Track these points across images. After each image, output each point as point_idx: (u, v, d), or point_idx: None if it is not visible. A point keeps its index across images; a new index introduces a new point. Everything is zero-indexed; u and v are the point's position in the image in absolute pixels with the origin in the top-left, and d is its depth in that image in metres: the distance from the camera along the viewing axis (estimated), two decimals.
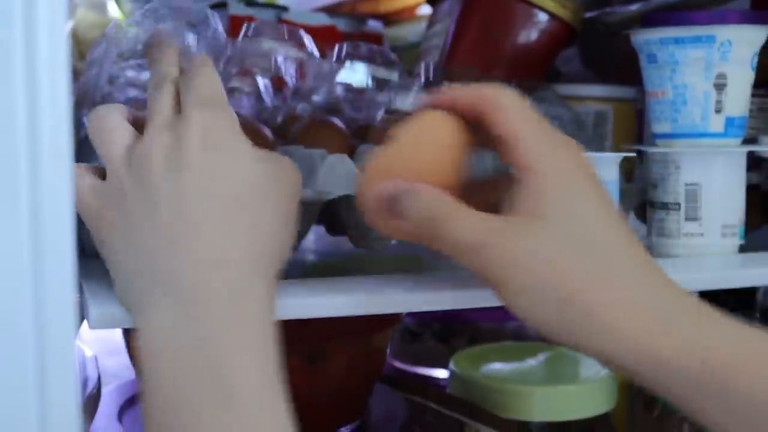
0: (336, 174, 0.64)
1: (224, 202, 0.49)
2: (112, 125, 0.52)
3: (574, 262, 0.49)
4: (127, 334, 0.79)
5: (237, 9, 0.96)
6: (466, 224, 0.50)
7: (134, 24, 0.65)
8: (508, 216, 0.50)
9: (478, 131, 0.53)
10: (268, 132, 0.73)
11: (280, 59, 0.84)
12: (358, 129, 0.85)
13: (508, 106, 0.51)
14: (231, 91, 0.91)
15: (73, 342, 0.45)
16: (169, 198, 0.49)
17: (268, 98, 0.89)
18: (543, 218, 0.49)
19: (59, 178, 0.44)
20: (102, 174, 0.52)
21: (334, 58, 0.68)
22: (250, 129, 0.72)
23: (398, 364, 0.96)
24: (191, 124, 0.50)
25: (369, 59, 0.70)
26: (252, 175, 0.50)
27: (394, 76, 0.69)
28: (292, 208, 0.52)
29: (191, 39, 0.64)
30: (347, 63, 0.69)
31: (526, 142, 0.50)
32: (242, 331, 0.48)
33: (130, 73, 0.81)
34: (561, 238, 0.49)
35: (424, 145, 0.52)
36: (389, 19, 1.11)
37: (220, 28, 0.66)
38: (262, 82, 0.86)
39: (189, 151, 0.49)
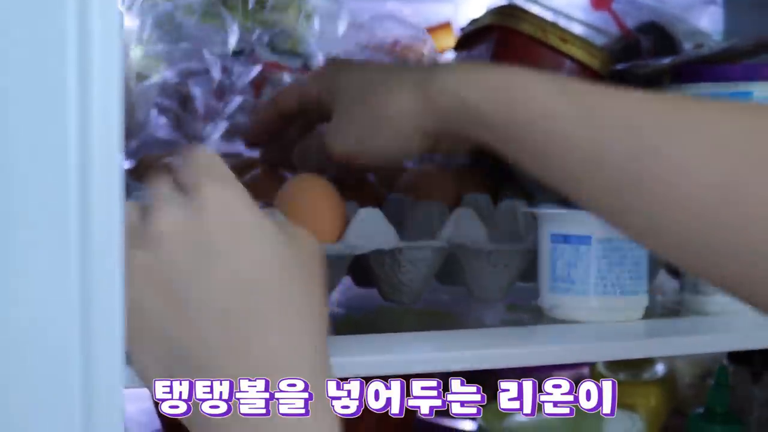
0: (367, 227, 0.63)
1: (256, 290, 0.47)
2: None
3: None
4: None
5: (264, 55, 0.96)
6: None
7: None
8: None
9: None
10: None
11: None
12: (385, 177, 0.84)
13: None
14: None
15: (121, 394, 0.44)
16: (199, 288, 0.47)
17: None
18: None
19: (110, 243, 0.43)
20: None
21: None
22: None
23: (425, 416, 0.94)
24: (206, 200, 0.47)
25: None
26: (279, 257, 0.48)
27: None
28: (320, 281, 0.51)
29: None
30: None
31: None
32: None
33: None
34: None
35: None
36: None
37: None
38: None
39: (212, 234, 0.47)
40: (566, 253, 0.64)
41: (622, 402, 0.91)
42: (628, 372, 0.97)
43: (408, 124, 0.61)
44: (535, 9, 0.94)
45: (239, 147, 0.92)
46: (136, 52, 0.87)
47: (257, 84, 0.93)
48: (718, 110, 0.55)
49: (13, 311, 0.43)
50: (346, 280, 0.71)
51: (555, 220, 0.65)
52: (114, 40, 0.41)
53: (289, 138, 0.75)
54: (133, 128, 0.88)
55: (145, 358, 0.47)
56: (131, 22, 0.89)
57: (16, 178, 0.43)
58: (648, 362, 0.99)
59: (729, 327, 0.68)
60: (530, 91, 0.56)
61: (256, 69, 0.93)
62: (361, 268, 0.67)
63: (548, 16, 0.97)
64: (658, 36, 0.95)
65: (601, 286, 0.64)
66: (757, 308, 0.55)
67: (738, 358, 0.91)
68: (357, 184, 0.75)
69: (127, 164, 0.88)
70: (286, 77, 0.93)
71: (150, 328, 0.47)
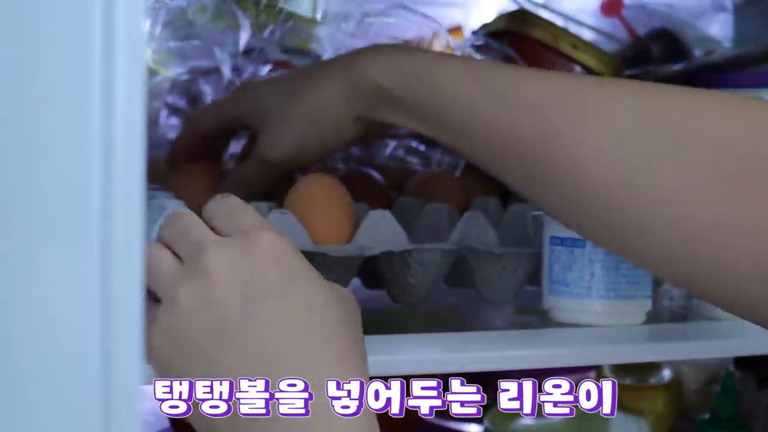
0: (378, 229, 0.64)
1: (311, 331, 0.48)
2: (153, 256, 0.49)
3: None
4: None
5: (274, 54, 0.96)
6: None
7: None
8: None
9: None
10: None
11: None
12: (394, 180, 0.85)
13: None
14: None
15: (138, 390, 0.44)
16: (251, 326, 0.47)
17: None
18: None
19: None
20: None
21: None
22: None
23: (429, 418, 0.95)
24: (262, 242, 0.48)
25: None
26: (332, 305, 0.49)
27: None
28: (361, 337, 0.52)
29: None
30: None
31: None
32: None
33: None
34: None
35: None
36: None
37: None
38: None
39: (267, 277, 0.48)
40: (563, 255, 0.64)
41: (628, 407, 0.91)
42: (634, 377, 0.97)
43: (340, 112, 0.63)
44: (545, 14, 0.94)
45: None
46: (147, 49, 0.88)
47: None
48: (627, 92, 0.55)
49: (34, 310, 0.43)
50: (355, 282, 0.71)
51: (553, 223, 0.65)
52: (138, 44, 0.41)
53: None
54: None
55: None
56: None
57: (39, 180, 0.43)
58: (654, 367, 0.99)
59: (736, 332, 0.68)
60: (441, 75, 0.58)
61: (266, 68, 0.93)
62: (371, 269, 0.67)
63: (558, 21, 0.97)
64: (668, 42, 0.96)
65: (595, 289, 0.64)
66: (677, 286, 0.60)
67: (744, 363, 0.91)
68: (367, 186, 0.76)
69: None
70: None
71: (197, 359, 0.47)
